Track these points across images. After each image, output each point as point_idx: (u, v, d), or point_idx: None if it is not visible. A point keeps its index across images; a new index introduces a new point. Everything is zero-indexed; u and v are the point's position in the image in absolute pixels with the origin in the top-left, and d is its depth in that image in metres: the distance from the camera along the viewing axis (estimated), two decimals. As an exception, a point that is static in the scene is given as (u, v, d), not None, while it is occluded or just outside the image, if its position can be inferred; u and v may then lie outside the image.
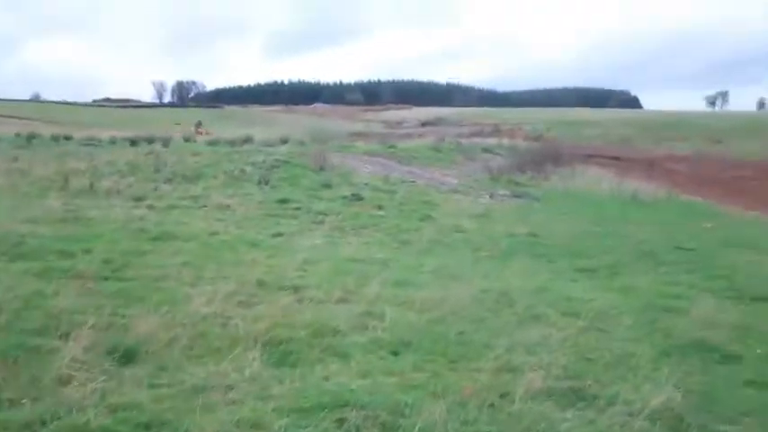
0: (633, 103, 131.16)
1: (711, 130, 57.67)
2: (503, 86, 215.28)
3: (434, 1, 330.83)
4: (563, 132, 53.43)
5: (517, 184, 21.17)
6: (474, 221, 13.31)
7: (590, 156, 35.92)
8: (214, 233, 11.14)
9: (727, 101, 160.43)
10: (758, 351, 6.72)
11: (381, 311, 6.79)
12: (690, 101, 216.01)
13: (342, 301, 7.29)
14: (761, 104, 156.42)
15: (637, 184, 23.01)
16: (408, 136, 44.07)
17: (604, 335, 6.75)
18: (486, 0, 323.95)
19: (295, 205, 14.25)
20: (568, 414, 4.77)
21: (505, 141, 37.19)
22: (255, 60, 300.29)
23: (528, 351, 5.97)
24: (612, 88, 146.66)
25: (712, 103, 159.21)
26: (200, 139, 32.53)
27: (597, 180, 24.06)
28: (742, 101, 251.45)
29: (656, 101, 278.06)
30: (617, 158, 36.13)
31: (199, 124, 48.24)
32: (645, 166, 32.78)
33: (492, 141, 37.18)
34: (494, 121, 64.01)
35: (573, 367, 5.72)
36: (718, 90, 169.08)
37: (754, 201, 24.20)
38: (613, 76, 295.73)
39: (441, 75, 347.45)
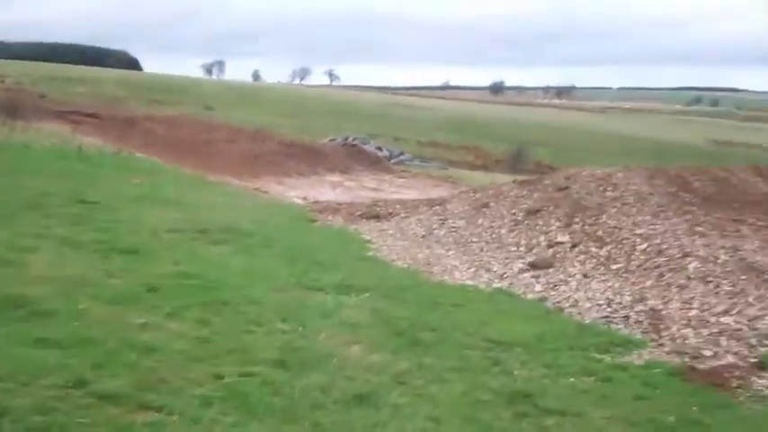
0: (133, 64, 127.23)
1: (205, 96, 59.90)
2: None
3: None
4: (52, 87, 49.88)
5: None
6: None
7: (66, 112, 33.81)
8: None
9: (223, 70, 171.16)
10: (80, 306, 6.42)
11: None
12: (189, 68, 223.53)
13: None
14: (256, 76, 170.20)
15: (87, 140, 22.25)
16: None
17: None
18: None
19: None
20: None
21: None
22: None
23: None
24: (112, 47, 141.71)
25: (209, 70, 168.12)
26: None
27: (50, 135, 22.55)
28: (239, 71, 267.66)
29: (156, 64, 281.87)
30: (96, 116, 34.75)
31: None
32: (124, 126, 32.27)
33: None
34: (-29, 71, 56.67)
35: None
36: (216, 59, 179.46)
37: (213, 161, 25.54)
38: (113, 35, 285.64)
39: None
